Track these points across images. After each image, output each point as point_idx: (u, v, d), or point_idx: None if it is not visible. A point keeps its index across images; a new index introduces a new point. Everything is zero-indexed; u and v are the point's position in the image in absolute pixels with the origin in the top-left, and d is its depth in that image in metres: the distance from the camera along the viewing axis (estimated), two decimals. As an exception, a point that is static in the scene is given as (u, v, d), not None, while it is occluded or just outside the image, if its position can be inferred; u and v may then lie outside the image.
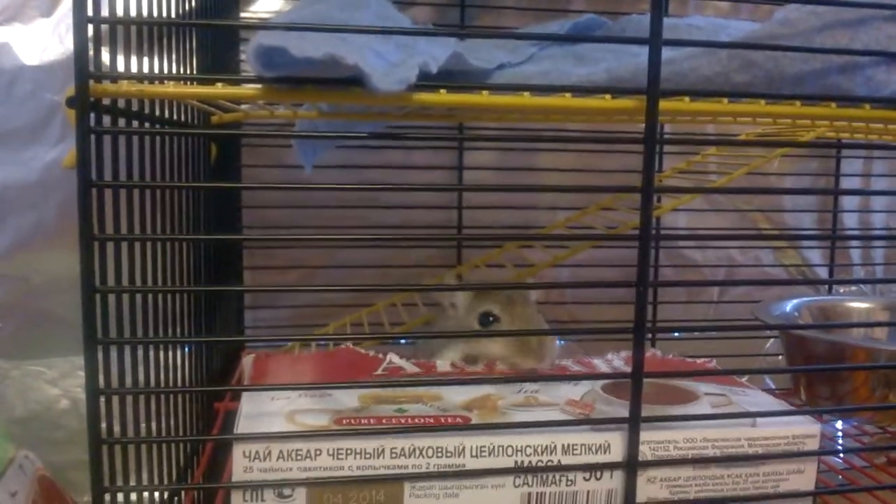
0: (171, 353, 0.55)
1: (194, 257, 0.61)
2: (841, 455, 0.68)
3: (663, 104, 0.39)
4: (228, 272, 0.80)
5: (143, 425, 0.46)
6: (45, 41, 0.82)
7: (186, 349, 0.63)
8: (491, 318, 0.58)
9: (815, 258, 1.05)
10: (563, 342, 0.78)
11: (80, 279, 0.35)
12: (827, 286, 1.04)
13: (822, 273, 1.05)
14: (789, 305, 0.81)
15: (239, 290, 0.85)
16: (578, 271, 0.93)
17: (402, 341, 0.82)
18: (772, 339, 1.02)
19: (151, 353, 0.48)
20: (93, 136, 0.36)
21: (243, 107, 0.69)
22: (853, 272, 1.07)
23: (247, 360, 0.53)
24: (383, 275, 0.88)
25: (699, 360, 0.59)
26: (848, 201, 1.05)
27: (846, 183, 1.04)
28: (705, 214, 0.98)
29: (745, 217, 1.02)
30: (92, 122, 0.36)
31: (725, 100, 0.42)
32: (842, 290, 1.05)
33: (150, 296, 0.46)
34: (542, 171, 0.93)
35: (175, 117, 0.56)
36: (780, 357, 1.00)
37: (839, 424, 0.79)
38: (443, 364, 0.54)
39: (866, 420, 0.72)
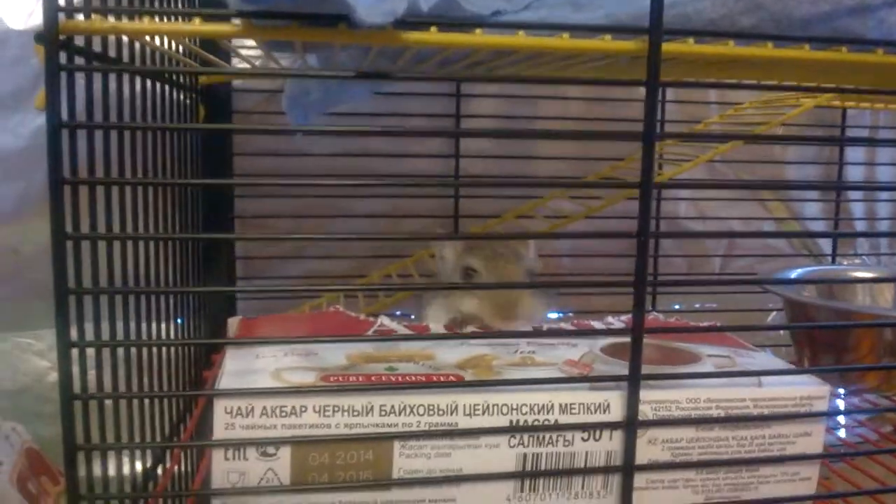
0: (161, 326, 0.53)
1: (182, 227, 0.60)
2: (847, 424, 0.66)
3: (666, 47, 0.37)
4: (218, 243, 0.78)
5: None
6: (31, 5, 0.80)
7: (179, 321, 0.62)
8: (471, 273, 0.56)
9: (818, 228, 1.03)
10: (562, 314, 0.77)
11: (53, 281, 0.34)
12: (830, 258, 1.02)
13: (825, 245, 1.03)
14: (793, 275, 0.79)
15: (226, 290, 0.83)
16: (578, 247, 0.92)
17: (398, 313, 0.80)
18: (774, 313, 1.01)
19: (133, 326, 0.46)
20: (63, 77, 0.34)
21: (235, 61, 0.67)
22: (856, 244, 1.05)
23: (232, 322, 0.51)
24: (377, 247, 0.86)
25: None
26: (853, 171, 1.03)
27: (850, 153, 1.02)
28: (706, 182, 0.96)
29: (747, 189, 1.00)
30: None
31: (731, 42, 0.40)
32: (845, 262, 1.03)
33: (131, 267, 0.45)
34: (539, 159, 0.91)
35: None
36: (782, 332, 0.98)
37: (841, 402, 0.78)
38: (436, 327, 0.53)
39: (872, 390, 0.71)
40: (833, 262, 1.01)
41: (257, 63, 0.74)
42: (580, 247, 0.93)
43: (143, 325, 0.49)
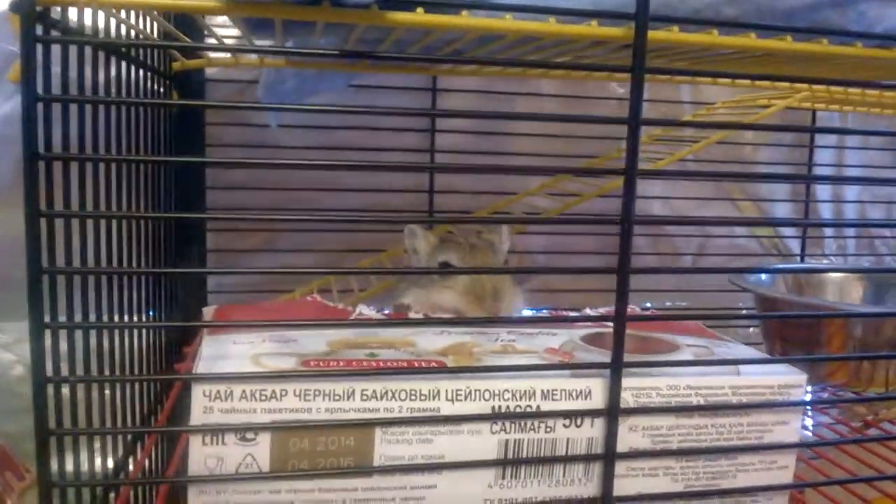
0: (132, 318, 0.52)
1: (155, 221, 0.59)
2: (821, 422, 0.67)
3: (652, 34, 0.37)
4: (191, 233, 0.77)
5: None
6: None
7: (150, 313, 0.61)
8: (448, 266, 0.56)
9: (788, 229, 1.05)
10: (542, 310, 0.77)
11: (27, 260, 0.33)
12: (799, 256, 1.04)
13: (794, 244, 1.05)
14: (764, 274, 0.80)
15: (199, 272, 0.81)
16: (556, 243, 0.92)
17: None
18: (744, 312, 1.02)
19: (106, 317, 0.45)
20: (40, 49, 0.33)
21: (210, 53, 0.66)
22: (824, 244, 1.07)
23: (207, 310, 0.50)
24: (351, 241, 0.86)
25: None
26: (821, 171, 1.05)
27: (820, 155, 1.04)
28: (680, 183, 0.97)
29: (719, 186, 1.01)
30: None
31: (715, 31, 0.40)
32: (814, 262, 1.04)
33: (104, 252, 0.44)
34: (517, 135, 0.91)
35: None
36: (752, 330, 0.99)
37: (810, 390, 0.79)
38: (416, 315, 0.52)
39: (842, 386, 0.72)
40: (802, 261, 1.03)
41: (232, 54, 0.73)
42: (556, 244, 0.93)
43: (116, 317, 0.48)
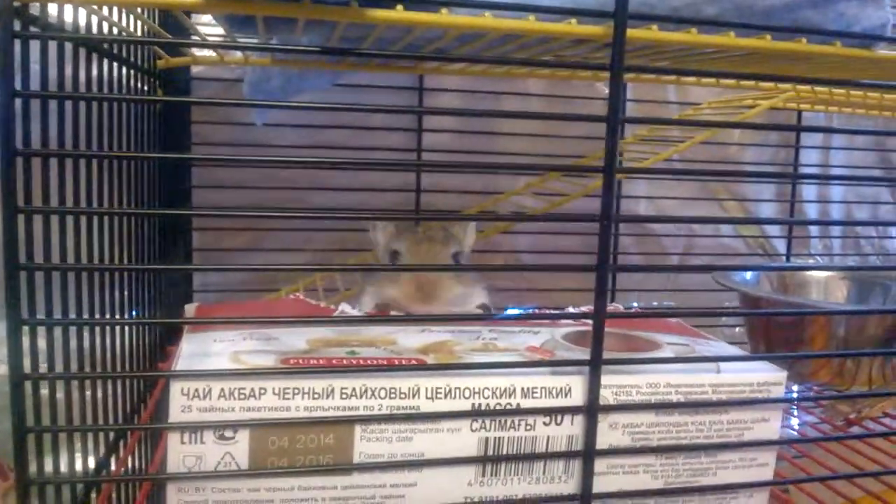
0: (113, 316, 0.52)
1: (139, 221, 0.58)
2: (806, 421, 0.67)
3: (631, 33, 0.37)
4: (176, 232, 0.77)
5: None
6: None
7: (134, 312, 0.61)
8: (396, 256, 0.56)
9: (774, 230, 1.05)
10: (528, 309, 0.77)
11: (3, 256, 0.33)
12: (785, 256, 1.04)
13: (780, 244, 1.05)
14: (749, 273, 0.80)
15: (183, 268, 0.81)
16: (542, 242, 0.93)
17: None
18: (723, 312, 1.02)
19: (87, 312, 0.45)
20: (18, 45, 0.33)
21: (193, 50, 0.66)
22: (810, 244, 1.07)
23: (189, 308, 0.50)
24: (338, 240, 0.86)
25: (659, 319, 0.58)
26: (807, 171, 1.05)
27: (805, 155, 1.04)
28: (665, 183, 0.97)
29: (705, 186, 1.01)
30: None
31: (695, 30, 0.40)
32: (799, 262, 1.05)
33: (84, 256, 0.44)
34: (503, 135, 0.91)
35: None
36: (737, 329, 1.00)
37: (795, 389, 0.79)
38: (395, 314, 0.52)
39: (825, 385, 0.72)
40: (787, 261, 1.03)
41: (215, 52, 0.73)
42: (542, 243, 0.93)
43: (97, 316, 0.48)
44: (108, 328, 0.49)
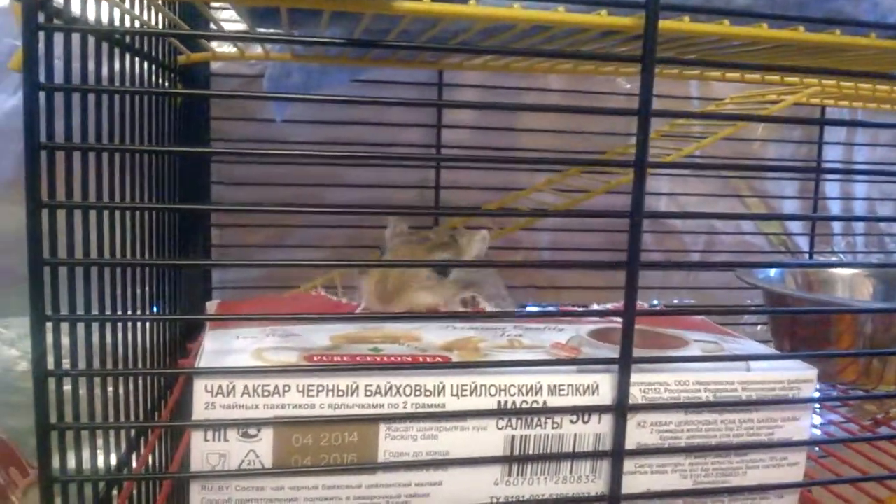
0: (134, 313, 0.52)
1: (159, 216, 0.58)
2: (832, 420, 0.66)
3: (662, 24, 0.37)
4: (196, 228, 0.77)
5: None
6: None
7: (155, 309, 0.60)
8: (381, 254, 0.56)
9: (796, 226, 1.04)
10: (548, 307, 0.76)
11: (28, 251, 0.32)
12: (808, 253, 1.03)
13: (803, 241, 1.04)
14: (773, 270, 0.79)
15: (205, 264, 0.81)
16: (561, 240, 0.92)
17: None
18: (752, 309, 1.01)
19: (109, 307, 0.45)
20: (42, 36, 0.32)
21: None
22: (833, 241, 1.06)
23: (210, 305, 0.49)
24: (357, 234, 0.85)
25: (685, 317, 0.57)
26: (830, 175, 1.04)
27: (829, 151, 1.03)
28: (687, 179, 0.96)
29: (726, 183, 1.00)
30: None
31: (727, 21, 0.39)
32: (823, 258, 1.04)
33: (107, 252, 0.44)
34: (523, 131, 0.90)
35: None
36: (759, 328, 0.99)
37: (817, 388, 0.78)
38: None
39: (851, 384, 0.71)
40: (810, 258, 1.02)
41: (235, 48, 0.73)
42: (561, 241, 0.93)
43: (119, 313, 0.47)
44: (129, 325, 0.49)
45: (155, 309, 0.60)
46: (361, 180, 0.86)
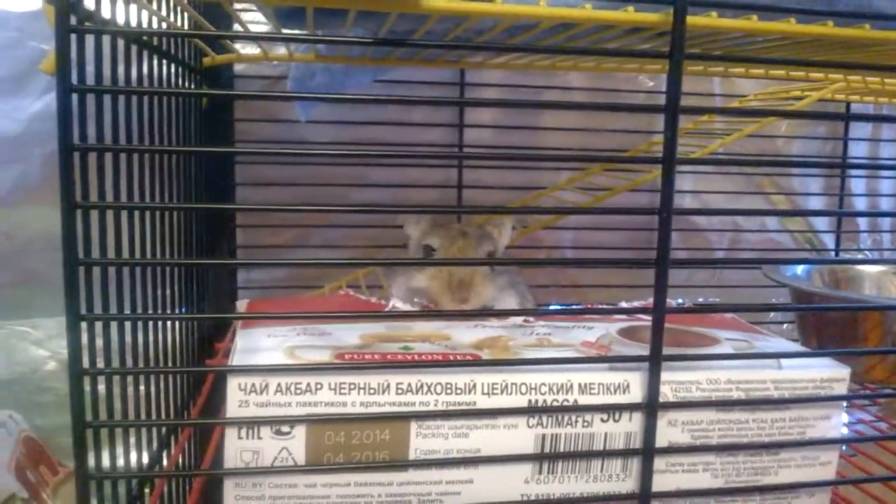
0: (164, 311, 0.52)
1: (186, 217, 0.59)
2: (854, 417, 0.66)
3: (690, 19, 0.36)
4: (221, 229, 0.77)
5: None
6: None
7: (182, 310, 0.61)
8: (430, 251, 0.55)
9: (822, 223, 1.03)
10: (572, 307, 0.76)
11: (63, 251, 0.33)
12: (834, 251, 1.02)
13: (828, 239, 1.03)
14: (800, 268, 0.79)
15: (229, 263, 0.82)
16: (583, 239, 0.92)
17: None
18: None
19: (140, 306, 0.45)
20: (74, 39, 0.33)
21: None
22: (859, 239, 1.05)
23: (241, 304, 0.50)
24: (380, 234, 0.85)
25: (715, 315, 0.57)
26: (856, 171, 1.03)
27: (854, 148, 1.02)
28: (711, 177, 0.95)
29: (751, 180, 0.99)
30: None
31: (755, 17, 0.39)
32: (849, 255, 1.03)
33: (137, 253, 0.44)
34: (544, 129, 0.90)
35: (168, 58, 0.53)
36: (785, 326, 0.98)
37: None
38: (398, 305, 0.51)
39: (879, 383, 0.70)
40: (837, 256, 1.01)
41: (258, 50, 0.73)
42: (582, 240, 0.92)
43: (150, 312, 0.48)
44: (158, 326, 0.49)
45: (183, 310, 0.60)
46: (384, 180, 0.86)
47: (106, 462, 0.38)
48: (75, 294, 0.33)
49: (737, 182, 0.98)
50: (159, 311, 0.50)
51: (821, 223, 1.03)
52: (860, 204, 1.04)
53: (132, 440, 0.47)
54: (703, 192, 0.96)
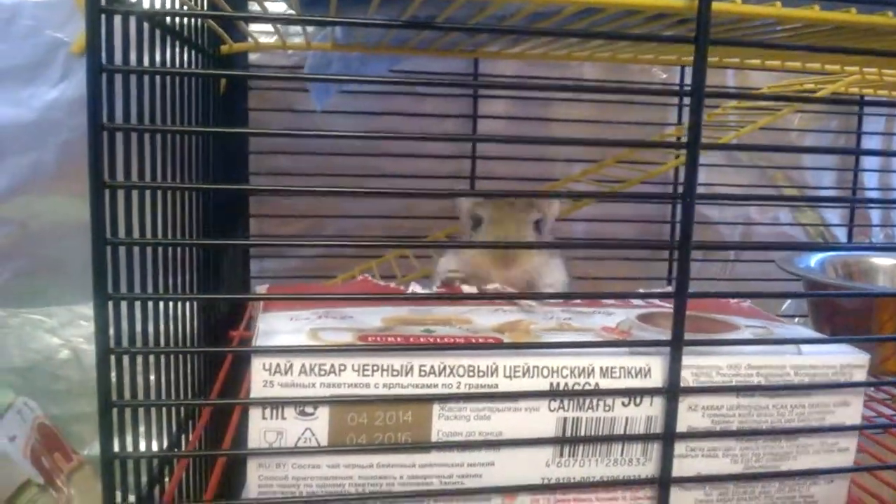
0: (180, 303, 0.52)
1: (202, 203, 0.59)
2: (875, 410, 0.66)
3: (715, 6, 0.36)
4: (235, 218, 0.77)
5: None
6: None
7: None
8: (479, 220, 0.55)
9: (834, 217, 1.03)
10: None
11: (91, 230, 0.33)
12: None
13: (841, 232, 1.03)
14: (813, 259, 0.79)
15: (245, 244, 0.82)
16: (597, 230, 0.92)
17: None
18: (789, 301, 1.00)
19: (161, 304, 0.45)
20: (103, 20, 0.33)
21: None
22: (872, 232, 1.05)
23: (261, 288, 0.50)
24: (394, 225, 0.86)
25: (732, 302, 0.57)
26: (869, 159, 1.03)
27: (867, 142, 1.02)
28: (724, 170, 0.95)
29: (763, 174, 0.99)
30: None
31: (779, 3, 0.39)
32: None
33: (161, 230, 0.44)
34: (557, 121, 0.90)
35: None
36: (796, 319, 0.98)
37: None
38: (469, 289, 0.51)
39: (893, 374, 0.70)
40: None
41: (274, 38, 0.73)
42: (595, 231, 0.92)
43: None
44: (180, 306, 0.49)
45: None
46: (398, 171, 0.86)
47: (129, 440, 0.38)
48: (103, 273, 0.33)
49: (749, 176, 0.98)
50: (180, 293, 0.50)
51: (833, 217, 1.03)
52: (873, 196, 1.04)
53: (142, 428, 0.47)
54: (715, 184, 0.96)
